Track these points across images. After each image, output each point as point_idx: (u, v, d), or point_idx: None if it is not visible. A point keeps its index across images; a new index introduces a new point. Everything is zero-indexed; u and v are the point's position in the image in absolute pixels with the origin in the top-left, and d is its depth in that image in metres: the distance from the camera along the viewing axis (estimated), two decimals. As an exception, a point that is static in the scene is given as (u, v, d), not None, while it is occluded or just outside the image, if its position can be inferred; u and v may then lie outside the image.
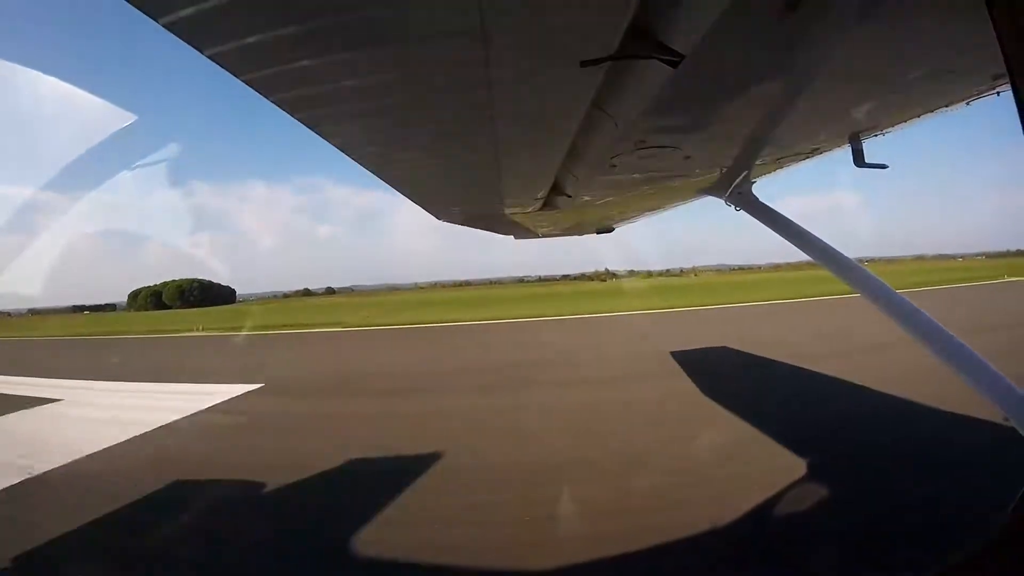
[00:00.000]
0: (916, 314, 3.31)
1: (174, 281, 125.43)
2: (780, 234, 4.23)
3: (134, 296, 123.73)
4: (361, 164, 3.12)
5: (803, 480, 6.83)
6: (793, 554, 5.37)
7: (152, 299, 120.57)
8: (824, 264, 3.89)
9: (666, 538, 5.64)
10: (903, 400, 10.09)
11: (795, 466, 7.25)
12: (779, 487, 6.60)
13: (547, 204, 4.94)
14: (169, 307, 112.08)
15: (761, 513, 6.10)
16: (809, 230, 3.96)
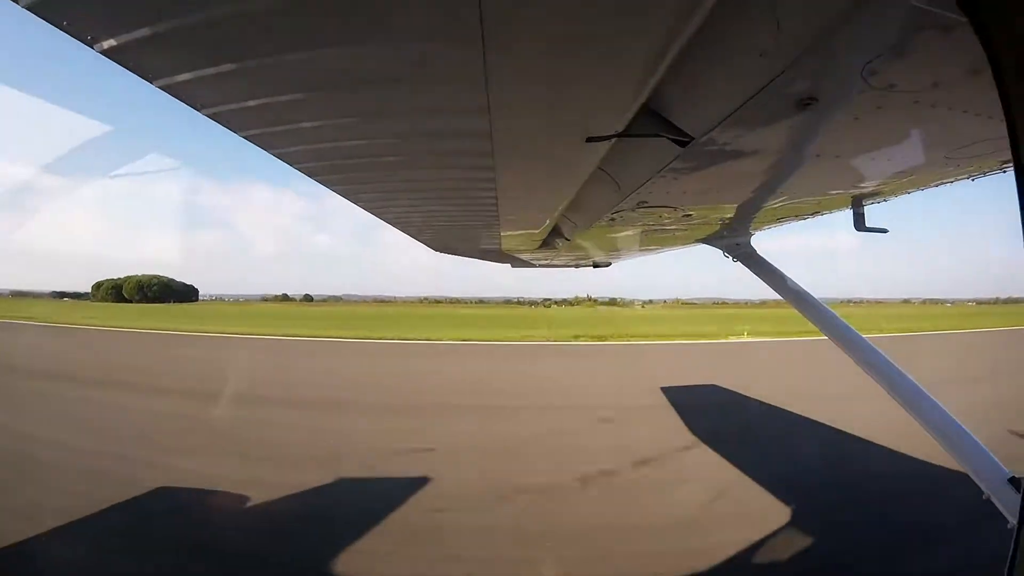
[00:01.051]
0: (913, 389, 3.29)
1: (135, 276, 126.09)
2: (776, 290, 4.23)
3: (97, 287, 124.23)
4: (362, 207, 3.11)
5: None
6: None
7: (112, 292, 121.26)
8: (823, 328, 3.88)
9: None
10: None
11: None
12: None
13: (545, 244, 4.93)
14: (129, 300, 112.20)
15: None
16: (809, 291, 3.96)
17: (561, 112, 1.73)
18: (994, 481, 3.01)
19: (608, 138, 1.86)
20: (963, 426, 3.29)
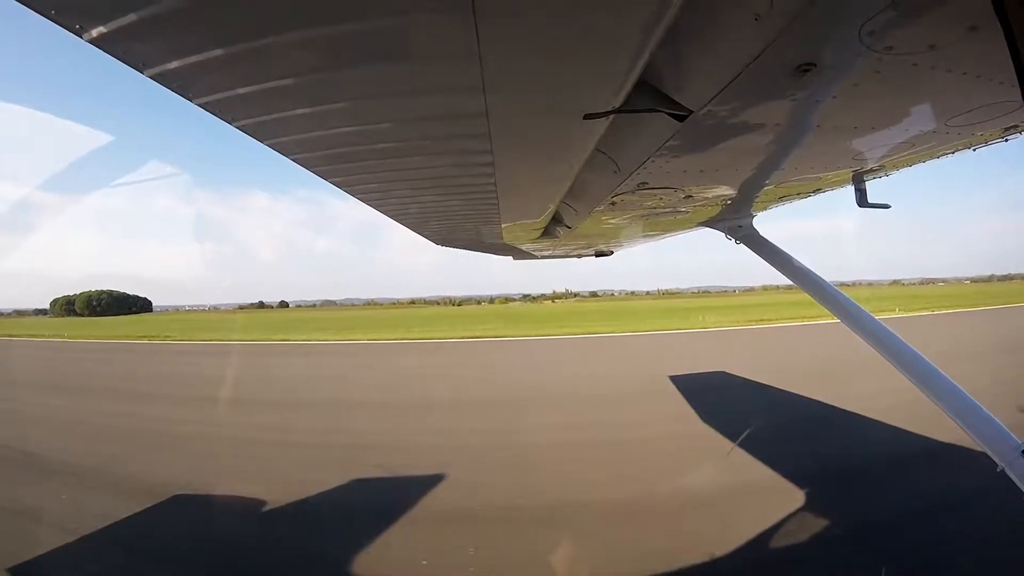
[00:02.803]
0: (924, 366, 3.27)
1: (87, 292, 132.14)
2: (781, 271, 4.20)
3: (54, 303, 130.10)
4: (359, 199, 3.09)
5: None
6: None
7: (66, 307, 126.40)
8: (830, 308, 3.86)
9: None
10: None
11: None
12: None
13: (546, 233, 4.90)
14: (80, 315, 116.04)
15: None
16: (814, 270, 3.94)
17: (557, 88, 1.71)
18: (1008, 453, 3.01)
19: (606, 114, 1.83)
20: (975, 400, 3.28)
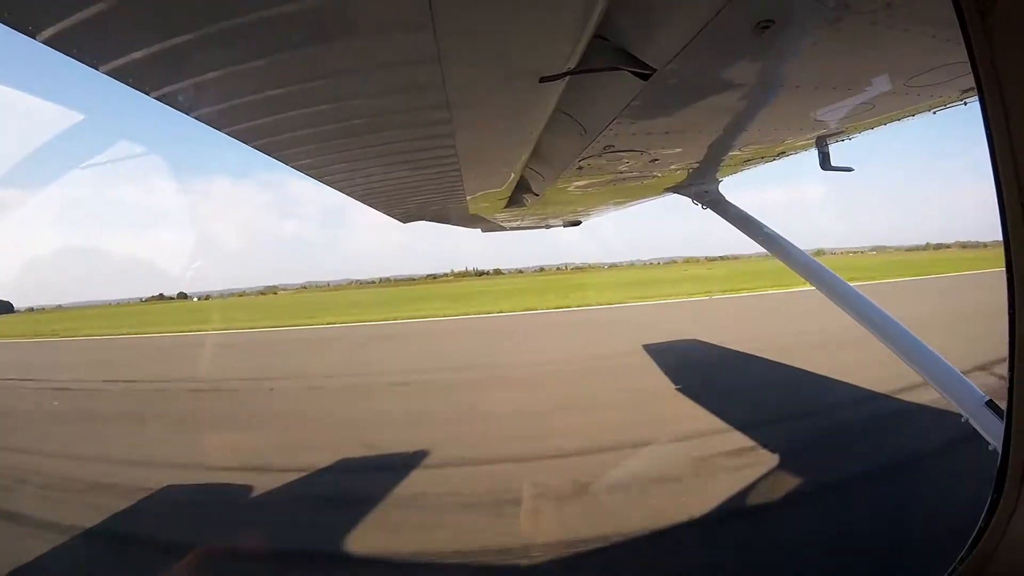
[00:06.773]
0: (891, 325, 3.36)
1: None
2: (748, 235, 4.23)
3: None
4: (324, 183, 3.01)
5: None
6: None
7: None
8: (799, 271, 3.92)
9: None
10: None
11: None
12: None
13: (514, 202, 4.83)
14: None
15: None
16: (781, 233, 3.97)
17: (512, 52, 1.66)
18: (972, 405, 3.12)
19: (562, 76, 1.77)
20: (940, 356, 3.38)
